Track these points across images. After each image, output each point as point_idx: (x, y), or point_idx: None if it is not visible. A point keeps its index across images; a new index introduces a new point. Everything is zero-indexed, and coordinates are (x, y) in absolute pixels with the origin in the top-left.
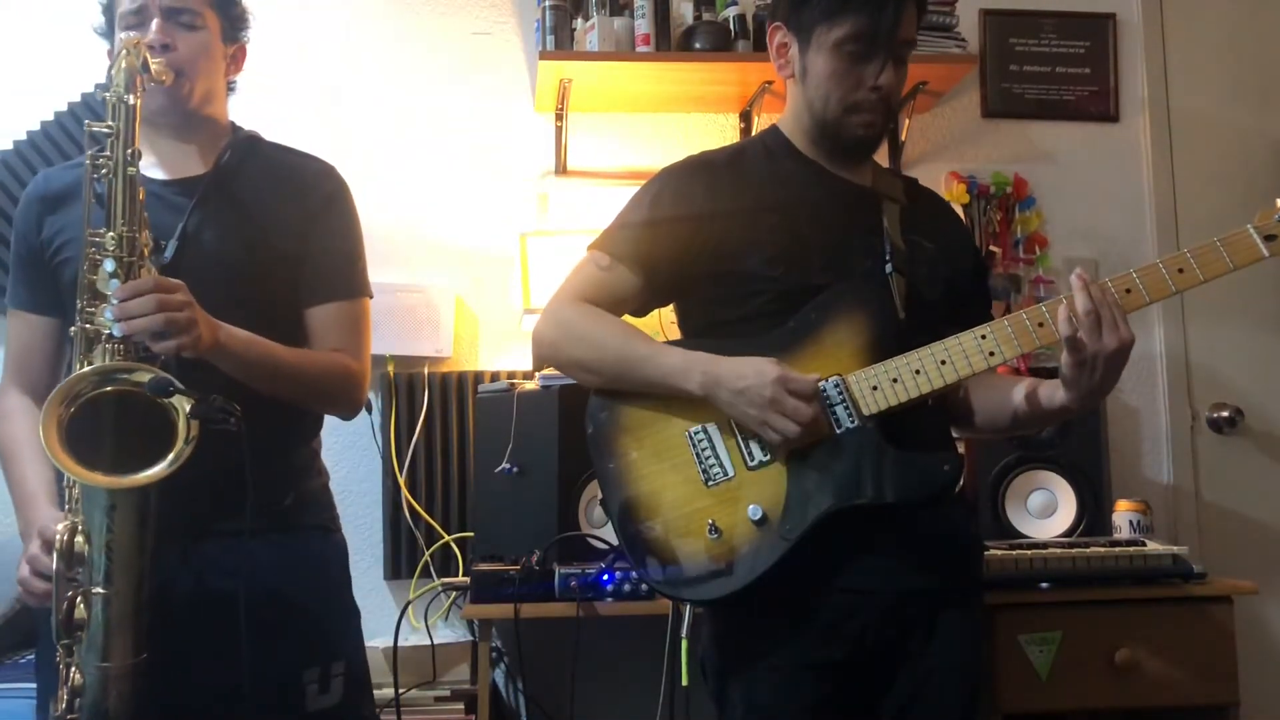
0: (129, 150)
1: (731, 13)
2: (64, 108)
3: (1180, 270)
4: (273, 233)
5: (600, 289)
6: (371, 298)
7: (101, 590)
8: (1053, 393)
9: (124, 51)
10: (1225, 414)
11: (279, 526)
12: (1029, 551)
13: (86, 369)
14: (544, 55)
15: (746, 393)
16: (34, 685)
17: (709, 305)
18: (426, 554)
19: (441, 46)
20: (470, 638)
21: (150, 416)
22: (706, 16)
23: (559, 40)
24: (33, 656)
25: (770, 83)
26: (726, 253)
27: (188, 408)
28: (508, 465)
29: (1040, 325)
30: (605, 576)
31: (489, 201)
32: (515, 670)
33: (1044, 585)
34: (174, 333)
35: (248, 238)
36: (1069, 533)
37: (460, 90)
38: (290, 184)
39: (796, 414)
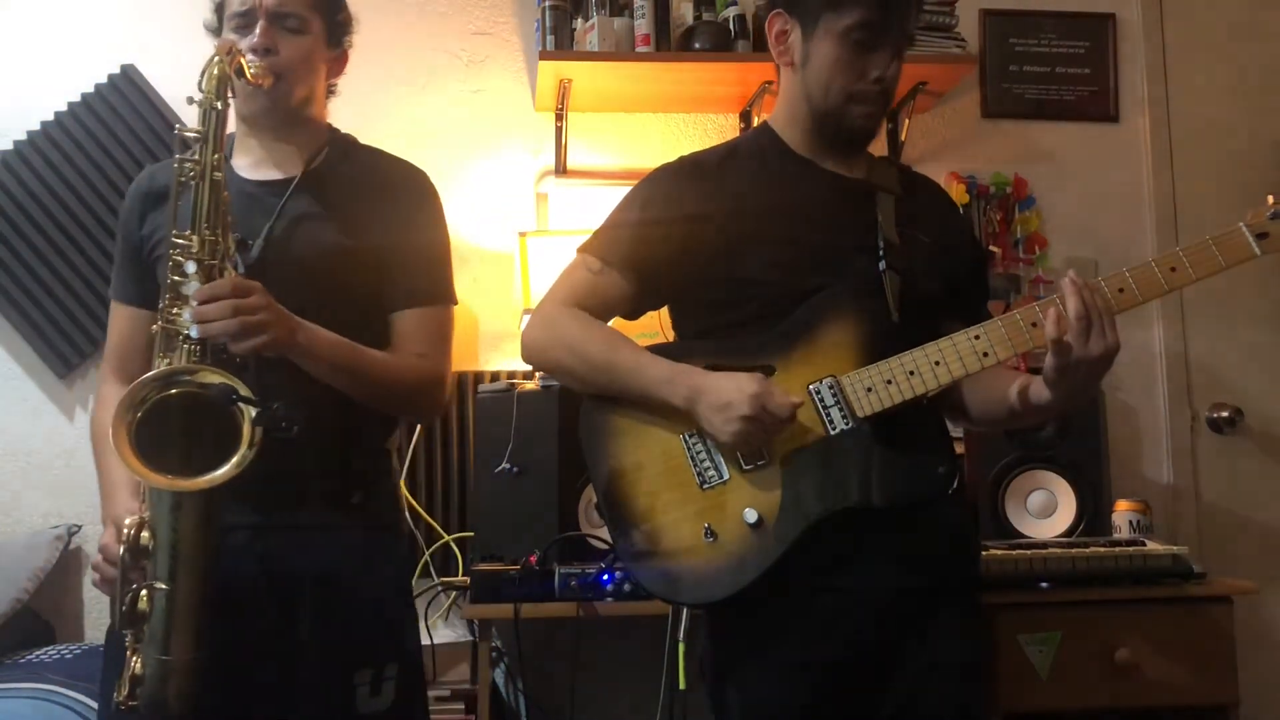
0: (215, 156)
1: (731, 13)
2: (64, 108)
3: (1173, 269)
4: (359, 235)
5: (590, 292)
6: (456, 304)
7: (164, 585)
8: (1040, 390)
9: (216, 58)
10: (1225, 414)
11: (344, 523)
12: (1029, 551)
13: (151, 373)
14: (544, 55)
15: (725, 409)
16: (34, 684)
17: (703, 309)
18: (426, 554)
19: (441, 46)
20: (470, 638)
21: (218, 417)
22: (706, 16)
23: (559, 40)
24: (32, 656)
25: (770, 83)
26: (720, 256)
27: (252, 414)
28: (508, 465)
29: (1034, 325)
30: (605, 576)
31: (489, 201)
32: (515, 670)
33: (1044, 585)
34: (248, 335)
35: (333, 238)
36: (1069, 533)
37: (460, 90)
38: (380, 187)
39: (775, 432)
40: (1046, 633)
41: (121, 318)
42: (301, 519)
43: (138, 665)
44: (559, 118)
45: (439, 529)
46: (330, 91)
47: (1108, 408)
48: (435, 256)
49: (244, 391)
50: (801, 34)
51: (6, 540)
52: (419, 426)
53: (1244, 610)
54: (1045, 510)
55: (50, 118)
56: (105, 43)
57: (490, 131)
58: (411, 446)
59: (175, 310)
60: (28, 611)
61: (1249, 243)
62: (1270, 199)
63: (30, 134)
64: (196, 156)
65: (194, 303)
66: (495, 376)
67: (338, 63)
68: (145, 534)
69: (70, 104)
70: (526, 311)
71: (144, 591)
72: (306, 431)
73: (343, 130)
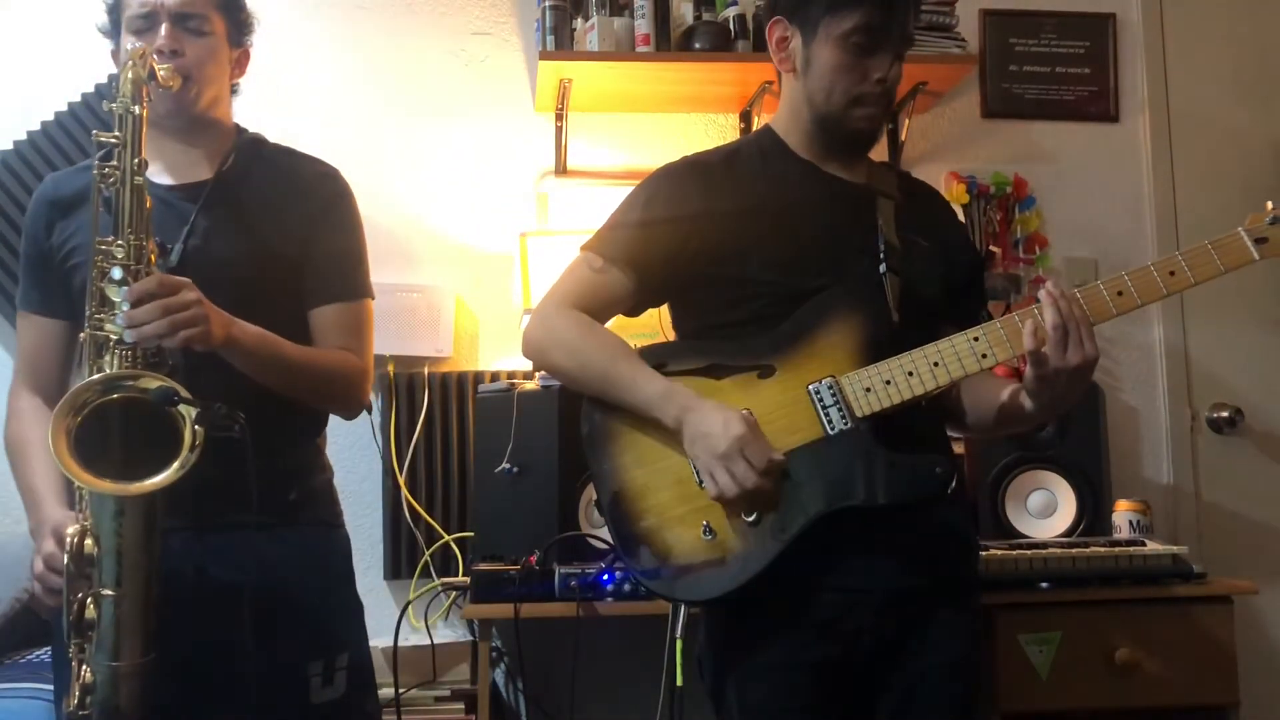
0: (136, 160)
1: (731, 13)
2: (64, 108)
3: (1171, 273)
4: (275, 236)
5: (592, 291)
6: (374, 299)
7: (111, 592)
8: (1024, 399)
9: (130, 62)
10: (1225, 414)
11: (283, 521)
12: (1029, 551)
13: (93, 377)
14: (544, 55)
15: (706, 439)
16: (34, 685)
17: (703, 308)
18: (426, 554)
19: (441, 46)
20: (470, 638)
21: (158, 422)
22: (706, 16)
23: (559, 40)
24: (33, 656)
25: (770, 83)
26: (721, 256)
27: (193, 415)
28: (508, 465)
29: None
30: (605, 576)
31: (489, 201)
32: (515, 670)
33: (1044, 585)
34: (179, 331)
35: (251, 241)
36: (1069, 533)
37: (460, 90)
38: (293, 187)
39: (742, 478)
40: (1046, 633)
41: (31, 328)
42: (239, 518)
43: (87, 674)
44: (559, 118)
45: (439, 529)
46: (234, 91)
47: (1108, 408)
48: (350, 253)
49: (184, 394)
50: (802, 40)
51: (6, 540)
52: (419, 427)
53: (1244, 610)
54: (1045, 510)
55: (50, 118)
56: (105, 43)
57: (490, 131)
58: (411, 446)
59: (101, 317)
60: (28, 611)
61: (1247, 247)
62: (1269, 204)
63: (30, 134)
64: (115, 162)
65: (124, 307)
66: (495, 376)
67: (240, 62)
68: (89, 542)
69: (70, 104)
70: (527, 311)
71: (90, 599)
72: (241, 430)
73: (258, 135)
